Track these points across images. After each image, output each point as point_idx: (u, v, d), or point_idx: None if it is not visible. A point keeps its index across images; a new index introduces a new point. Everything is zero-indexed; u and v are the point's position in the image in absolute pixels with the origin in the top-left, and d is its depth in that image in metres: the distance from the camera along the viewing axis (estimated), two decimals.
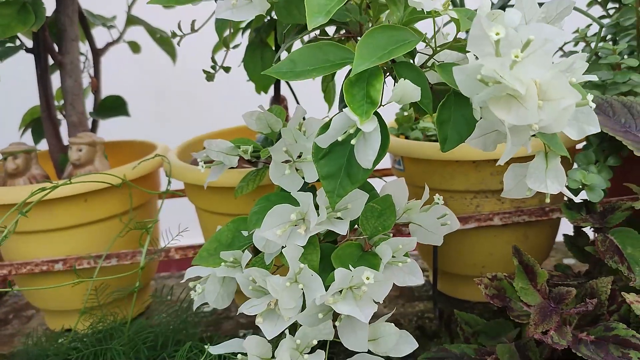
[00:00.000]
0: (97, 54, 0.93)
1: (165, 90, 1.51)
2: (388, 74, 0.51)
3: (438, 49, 0.50)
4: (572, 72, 0.44)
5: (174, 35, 0.65)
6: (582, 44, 0.83)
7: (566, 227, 0.83)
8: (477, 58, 0.42)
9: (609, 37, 0.81)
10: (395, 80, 0.51)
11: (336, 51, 0.49)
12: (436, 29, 0.51)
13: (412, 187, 0.82)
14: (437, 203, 0.58)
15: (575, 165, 0.68)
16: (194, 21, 0.65)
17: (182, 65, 1.06)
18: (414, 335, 0.81)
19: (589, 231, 0.70)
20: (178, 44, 0.64)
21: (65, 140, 0.89)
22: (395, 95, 0.45)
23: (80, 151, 0.80)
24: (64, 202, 0.75)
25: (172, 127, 1.32)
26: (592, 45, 0.78)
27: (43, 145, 0.93)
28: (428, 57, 0.51)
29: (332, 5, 0.46)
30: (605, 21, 0.85)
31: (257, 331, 0.85)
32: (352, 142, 0.44)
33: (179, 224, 0.70)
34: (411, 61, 0.51)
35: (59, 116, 0.90)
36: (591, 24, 0.84)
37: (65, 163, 0.85)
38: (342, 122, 0.45)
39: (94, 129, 0.94)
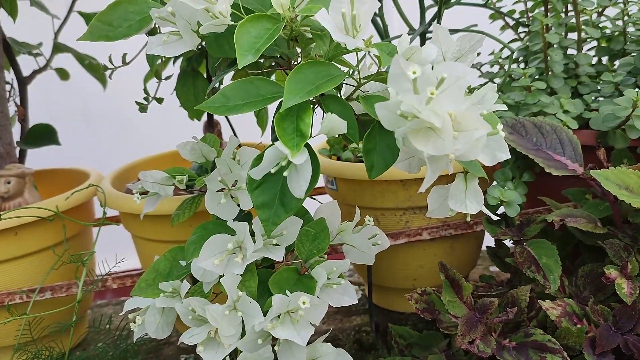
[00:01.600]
0: (23, 82, 0.91)
1: (95, 115, 1.49)
2: (317, 105, 0.54)
3: (362, 81, 0.53)
4: (484, 103, 0.48)
5: (105, 68, 0.65)
6: (497, 66, 0.89)
7: (490, 237, 0.89)
8: (397, 93, 0.46)
9: (520, 59, 0.88)
10: (324, 110, 0.54)
11: (267, 86, 0.51)
12: (360, 61, 0.54)
13: (345, 206, 0.86)
14: (368, 224, 0.61)
15: (494, 182, 0.73)
16: (125, 54, 0.66)
17: (113, 90, 1.05)
18: (352, 349, 0.85)
19: (508, 242, 0.75)
20: (110, 76, 0.65)
21: None
22: (323, 129, 0.48)
23: (9, 183, 0.78)
24: None
25: (104, 153, 1.31)
26: (506, 67, 0.84)
27: None
28: (354, 88, 0.54)
29: (261, 44, 0.48)
30: (517, 44, 0.92)
31: (198, 356, 0.85)
32: (285, 174, 0.47)
33: (115, 254, 0.70)
34: (338, 94, 0.54)
35: None
36: (504, 47, 0.90)
37: None
38: (274, 155, 0.47)
39: (21, 158, 0.92)
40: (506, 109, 0.49)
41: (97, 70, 0.99)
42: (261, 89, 0.51)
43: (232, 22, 0.51)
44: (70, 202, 0.78)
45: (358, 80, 0.53)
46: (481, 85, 0.53)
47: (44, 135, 0.91)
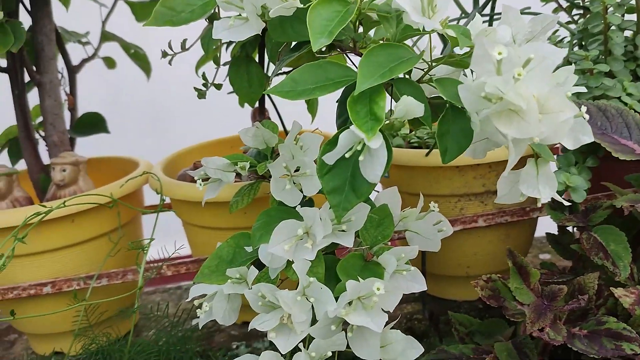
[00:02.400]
0: (72, 71, 0.92)
1: (139, 104, 1.49)
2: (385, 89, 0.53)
3: (433, 64, 0.52)
4: (564, 84, 0.47)
5: (165, 54, 0.65)
6: None
7: (543, 224, 0.87)
8: (472, 74, 0.45)
9: (575, 41, 0.85)
10: (392, 96, 0.53)
11: (337, 69, 0.50)
12: (420, 43, 0.53)
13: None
14: (433, 210, 0.60)
15: (554, 167, 0.71)
16: (184, 40, 0.66)
17: (145, 79, 1.05)
18: None
19: (570, 229, 0.73)
20: (170, 62, 0.64)
21: (44, 159, 0.87)
22: (399, 112, 0.47)
23: (64, 171, 0.79)
24: (51, 224, 0.74)
25: (137, 143, 1.31)
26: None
27: (19, 165, 0.92)
28: (423, 72, 0.53)
29: (334, 26, 0.48)
30: (571, 27, 0.89)
31: (249, 343, 0.85)
32: (360, 158, 0.46)
33: (169, 242, 0.70)
34: (408, 77, 0.53)
35: (36, 135, 0.89)
36: (559, 29, 0.88)
37: (46, 183, 0.84)
38: (348, 139, 0.47)
39: (71, 146, 0.93)
40: (585, 90, 0.48)
41: (142, 60, 0.99)
42: (330, 72, 0.50)
43: (302, 6, 0.51)
44: (123, 189, 0.79)
45: (429, 62, 0.52)
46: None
47: (94, 123, 0.92)
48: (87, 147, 1.00)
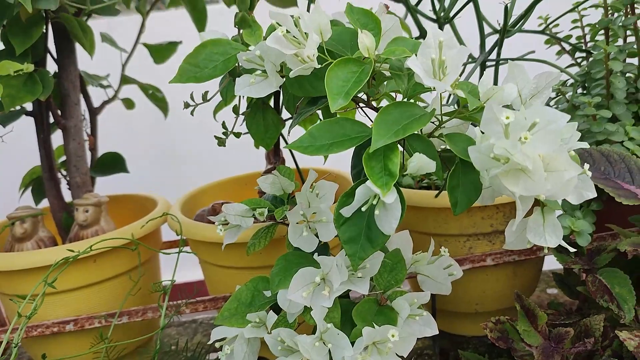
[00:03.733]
0: (93, 112, 0.96)
1: (153, 142, 1.53)
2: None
3: (444, 119, 0.55)
4: (569, 142, 0.50)
5: (187, 105, 0.68)
6: (554, 92, 0.90)
7: (551, 258, 0.89)
8: (482, 133, 0.48)
9: (578, 84, 0.88)
10: (404, 148, 0.56)
11: (352, 126, 0.53)
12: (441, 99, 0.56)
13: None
14: (443, 254, 0.63)
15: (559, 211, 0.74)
16: (206, 92, 0.69)
17: (172, 119, 1.09)
18: None
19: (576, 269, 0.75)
20: (192, 113, 0.68)
21: (66, 198, 0.90)
22: (412, 168, 0.50)
23: (87, 212, 0.82)
24: (74, 264, 0.77)
25: (165, 176, 1.34)
26: (566, 93, 0.85)
27: (42, 204, 0.95)
28: (434, 126, 0.56)
29: (350, 87, 0.51)
30: (574, 69, 0.93)
31: None
32: (376, 212, 0.49)
33: (194, 285, 0.73)
34: (419, 132, 0.56)
35: (59, 175, 0.92)
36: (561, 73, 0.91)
37: (68, 222, 0.87)
38: (364, 194, 0.50)
39: (92, 185, 0.96)
40: (587, 145, 0.51)
41: (160, 100, 1.03)
42: (347, 129, 0.53)
43: (319, 66, 0.54)
44: (144, 229, 0.82)
45: (440, 118, 0.55)
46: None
47: (114, 163, 0.95)
48: (105, 184, 1.03)
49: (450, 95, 0.79)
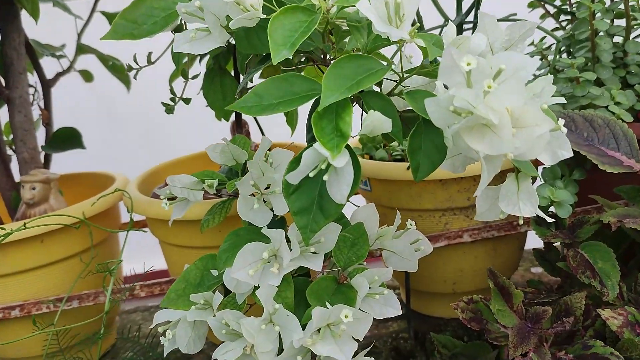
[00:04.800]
0: (47, 85, 0.89)
1: (119, 117, 1.47)
2: (355, 102, 0.50)
3: (405, 75, 0.49)
4: (542, 96, 0.44)
5: (130, 68, 0.62)
6: (538, 56, 0.84)
7: (534, 236, 0.84)
8: (446, 87, 0.42)
9: (563, 48, 0.83)
10: (363, 108, 0.50)
11: (302, 83, 0.47)
12: (395, 54, 0.50)
13: (379, 207, 0.82)
14: (410, 228, 0.58)
15: (540, 180, 0.68)
16: (150, 53, 0.63)
17: (136, 90, 1.03)
18: (389, 356, 0.81)
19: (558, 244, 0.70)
20: (135, 77, 0.62)
21: (17, 176, 0.84)
22: (365, 128, 0.44)
23: (34, 189, 0.76)
24: (18, 245, 0.71)
25: (129, 155, 1.28)
26: (549, 58, 0.79)
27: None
28: (395, 84, 0.50)
29: (297, 38, 0.45)
30: (559, 33, 0.87)
31: None
32: (325, 177, 0.43)
33: (144, 263, 0.67)
34: (378, 89, 0.50)
35: (9, 151, 0.86)
36: (545, 36, 0.86)
37: (17, 202, 0.81)
38: (312, 158, 0.44)
39: (46, 162, 0.90)
40: (564, 101, 0.45)
41: (121, 72, 0.97)
42: (296, 86, 0.47)
43: (264, 16, 0.48)
44: (96, 207, 0.76)
45: (400, 74, 0.49)
46: (535, 77, 0.49)
47: (69, 139, 0.89)
48: (80, 160, 0.98)
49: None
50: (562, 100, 0.45)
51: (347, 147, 0.45)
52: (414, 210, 0.76)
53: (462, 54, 0.38)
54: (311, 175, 0.44)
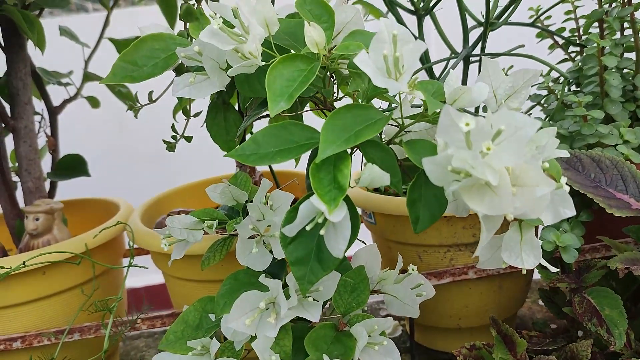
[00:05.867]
0: (53, 112, 0.90)
1: (128, 141, 1.47)
2: (354, 149, 0.49)
3: (405, 123, 0.49)
4: (545, 150, 0.43)
5: (131, 107, 0.62)
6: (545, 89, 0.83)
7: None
8: (446, 145, 0.41)
9: (571, 81, 0.81)
10: (363, 154, 0.50)
11: (301, 132, 0.47)
12: (401, 100, 0.50)
13: (384, 240, 0.81)
14: (411, 273, 0.57)
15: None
16: (151, 92, 0.63)
17: (145, 114, 1.03)
18: None
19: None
20: (135, 116, 0.61)
21: (22, 204, 0.85)
22: (363, 180, 0.43)
23: (37, 220, 0.76)
24: (20, 277, 0.71)
25: (137, 182, 1.28)
26: (557, 91, 0.78)
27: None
28: (396, 131, 0.50)
29: (295, 89, 0.45)
30: (567, 64, 0.86)
31: None
32: (321, 232, 0.42)
33: (144, 295, 0.66)
34: (378, 137, 0.50)
35: (14, 178, 0.86)
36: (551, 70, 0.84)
37: (22, 230, 0.81)
38: (309, 210, 0.43)
39: (52, 189, 0.90)
40: (567, 155, 0.44)
41: (128, 98, 0.97)
42: (295, 135, 0.47)
43: (263, 63, 0.48)
44: (99, 238, 0.76)
45: (401, 122, 0.48)
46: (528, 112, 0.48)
47: (74, 166, 0.89)
48: (87, 183, 0.97)
49: None
50: (566, 154, 0.44)
51: (346, 198, 0.44)
52: (419, 246, 0.75)
53: (461, 115, 0.37)
54: (308, 228, 0.43)
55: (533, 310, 0.94)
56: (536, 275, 0.88)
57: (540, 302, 0.95)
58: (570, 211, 0.41)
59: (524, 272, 0.47)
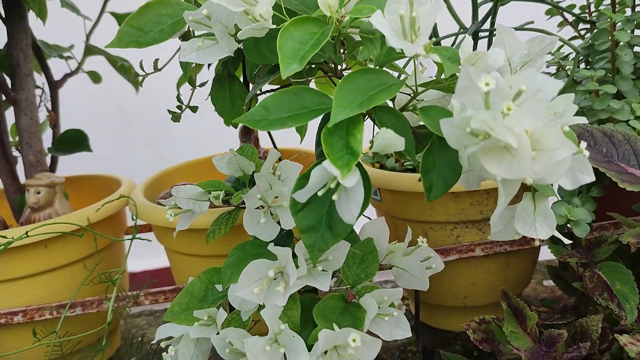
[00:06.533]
0: (54, 86, 0.88)
1: (129, 118, 1.45)
2: (367, 117, 0.48)
3: (419, 89, 0.48)
4: (562, 115, 0.42)
5: (136, 75, 0.61)
6: (554, 66, 0.81)
7: (547, 248, 0.82)
8: (462, 107, 0.40)
9: (581, 58, 0.80)
10: (374, 122, 0.49)
11: (312, 97, 0.46)
12: (408, 66, 0.49)
13: (390, 218, 0.80)
14: (420, 245, 0.56)
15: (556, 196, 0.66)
16: (156, 60, 0.61)
17: (147, 91, 1.01)
18: None
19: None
20: (141, 84, 0.60)
21: (23, 178, 0.83)
22: (377, 146, 0.42)
23: (39, 193, 0.75)
24: (22, 250, 0.70)
25: (139, 158, 1.27)
26: (567, 68, 0.77)
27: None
28: (408, 98, 0.48)
29: (307, 51, 0.43)
30: (577, 41, 0.84)
31: None
32: (334, 197, 0.41)
33: (147, 274, 0.66)
34: (391, 104, 0.49)
35: (15, 153, 0.85)
36: (563, 45, 0.83)
37: (23, 204, 0.80)
38: (321, 176, 0.42)
39: (53, 164, 0.89)
40: (586, 121, 0.43)
41: (129, 73, 0.95)
42: (306, 100, 0.46)
43: (274, 26, 0.46)
44: (101, 212, 0.75)
45: (414, 89, 0.47)
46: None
47: (75, 141, 0.88)
48: (88, 161, 0.96)
49: None
50: (584, 120, 0.43)
51: (358, 164, 0.43)
52: (425, 222, 0.74)
53: (481, 74, 0.36)
54: (320, 194, 0.42)
55: (538, 291, 0.93)
56: (541, 257, 0.88)
57: (545, 283, 0.95)
58: (589, 177, 0.40)
59: (537, 242, 0.46)
